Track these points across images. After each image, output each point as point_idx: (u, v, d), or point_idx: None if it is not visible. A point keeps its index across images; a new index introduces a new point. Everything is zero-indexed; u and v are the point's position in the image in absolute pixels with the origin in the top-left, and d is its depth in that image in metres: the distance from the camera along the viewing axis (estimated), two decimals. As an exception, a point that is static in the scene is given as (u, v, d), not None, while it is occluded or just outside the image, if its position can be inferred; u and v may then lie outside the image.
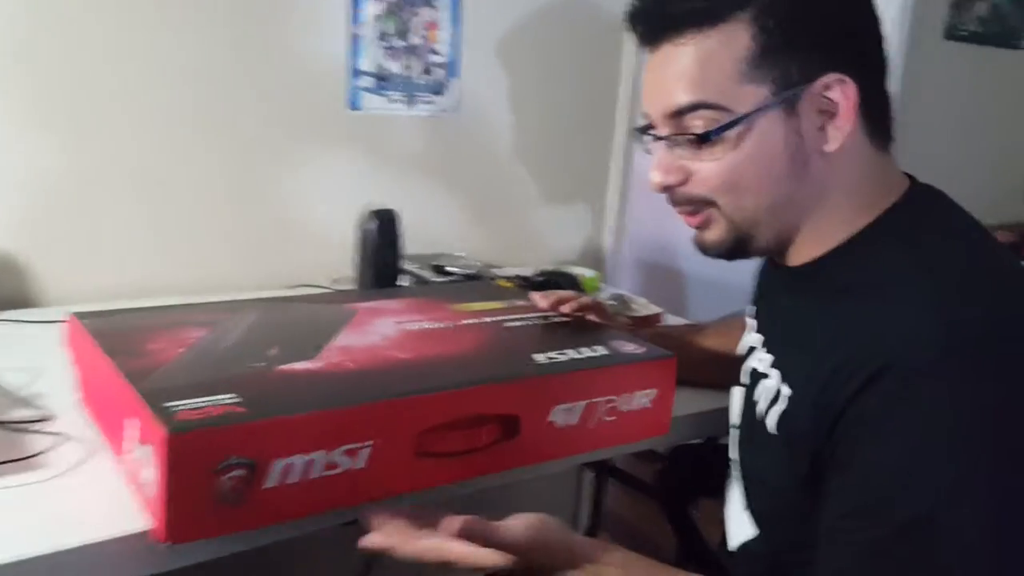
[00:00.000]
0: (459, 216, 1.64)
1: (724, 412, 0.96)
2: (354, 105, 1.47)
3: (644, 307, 1.40)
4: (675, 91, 0.70)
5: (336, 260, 1.39)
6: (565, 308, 0.99)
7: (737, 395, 0.86)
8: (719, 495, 1.30)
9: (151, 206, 1.35)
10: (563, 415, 0.84)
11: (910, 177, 0.76)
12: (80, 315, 0.89)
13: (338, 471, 0.71)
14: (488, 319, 0.99)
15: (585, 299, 1.01)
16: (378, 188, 1.51)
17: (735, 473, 0.86)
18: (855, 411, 0.64)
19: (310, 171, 1.46)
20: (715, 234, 0.76)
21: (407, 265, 1.31)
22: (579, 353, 0.89)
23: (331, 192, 1.48)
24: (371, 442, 0.73)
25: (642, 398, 0.90)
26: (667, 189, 0.75)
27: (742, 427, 0.84)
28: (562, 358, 0.87)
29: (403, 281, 1.31)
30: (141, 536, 0.68)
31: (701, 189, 0.73)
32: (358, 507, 0.75)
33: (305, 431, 0.69)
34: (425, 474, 0.77)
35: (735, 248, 0.76)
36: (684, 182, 0.74)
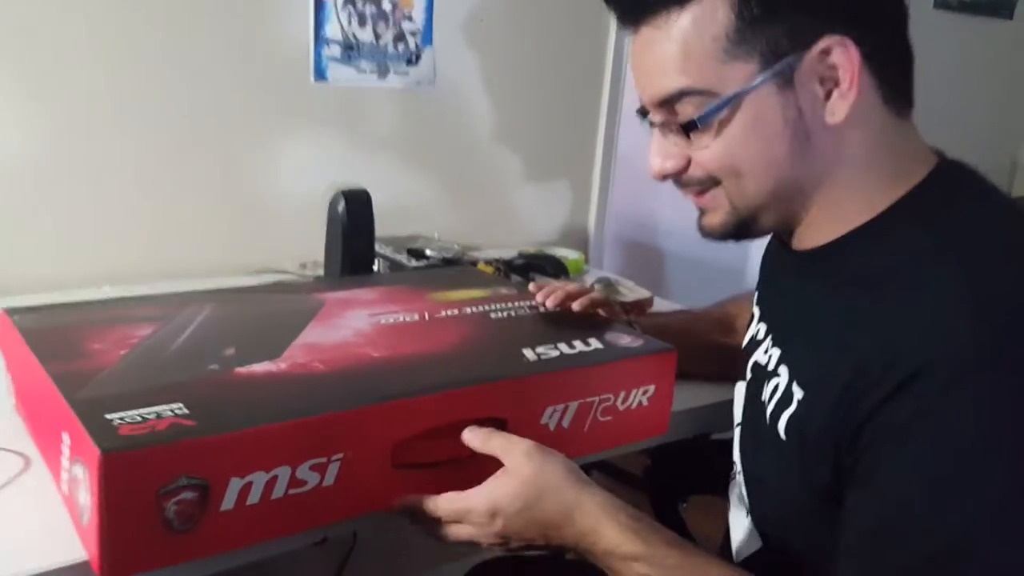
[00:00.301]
0: (435, 195, 1.54)
1: (721, 408, 0.89)
2: (320, 76, 1.36)
3: (633, 290, 1.32)
4: (658, 79, 0.66)
5: (303, 244, 1.30)
6: (576, 306, 0.90)
7: (741, 392, 0.79)
8: (708, 492, 1.24)
9: (97, 187, 1.24)
10: (555, 417, 0.77)
11: (938, 152, 0.69)
12: (11, 311, 0.80)
13: (305, 489, 0.63)
14: (470, 309, 0.91)
15: (595, 295, 0.92)
16: (348, 166, 1.42)
17: (738, 477, 0.79)
18: (883, 419, 0.57)
19: (273, 148, 1.36)
20: (717, 218, 0.70)
21: (380, 248, 1.22)
22: (571, 348, 0.81)
23: (296, 170, 1.38)
24: (341, 455, 0.64)
25: (640, 396, 0.82)
26: (667, 176, 0.70)
27: (745, 427, 0.77)
28: (553, 354, 0.79)
29: (376, 266, 1.22)
30: (80, 568, 0.60)
31: (701, 172, 0.68)
32: (328, 527, 0.67)
33: (265, 445, 0.61)
34: (404, 488, 0.69)
35: (738, 232, 0.70)
36: (684, 168, 0.69)
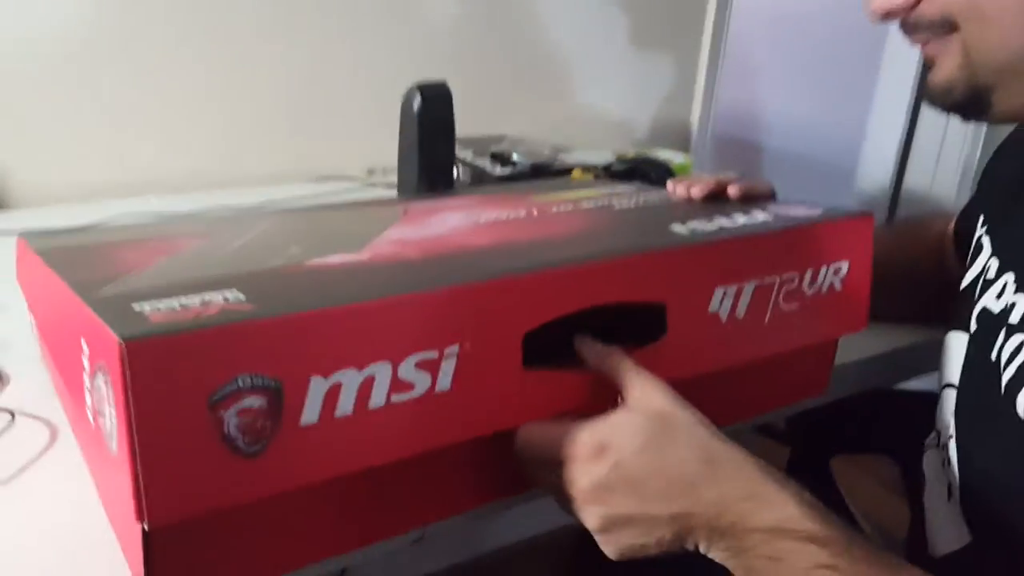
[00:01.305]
0: (515, 87, 1.34)
1: (892, 359, 0.74)
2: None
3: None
4: None
5: (370, 147, 1.13)
6: (733, 191, 0.69)
7: (959, 346, 0.61)
8: (865, 450, 1.03)
9: (141, 83, 1.09)
10: (727, 303, 0.58)
11: None
12: (29, 236, 0.64)
13: (412, 395, 0.45)
14: (587, 204, 0.72)
15: (757, 182, 0.71)
16: (416, 54, 1.24)
17: (947, 453, 0.60)
18: None
19: (333, 35, 1.18)
20: (944, 72, 0.56)
21: (459, 152, 1.04)
22: (731, 221, 0.62)
23: (359, 61, 1.20)
24: (458, 347, 0.46)
25: (831, 276, 0.63)
26: (888, 16, 0.57)
27: (965, 393, 0.59)
28: (710, 227, 0.60)
29: (456, 173, 1.04)
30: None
31: (934, 9, 0.55)
32: (445, 451, 0.49)
33: (355, 332, 0.44)
34: (538, 396, 0.51)
35: (968, 101, 0.56)
36: (914, 4, 0.56)
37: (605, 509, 0.46)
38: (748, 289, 0.58)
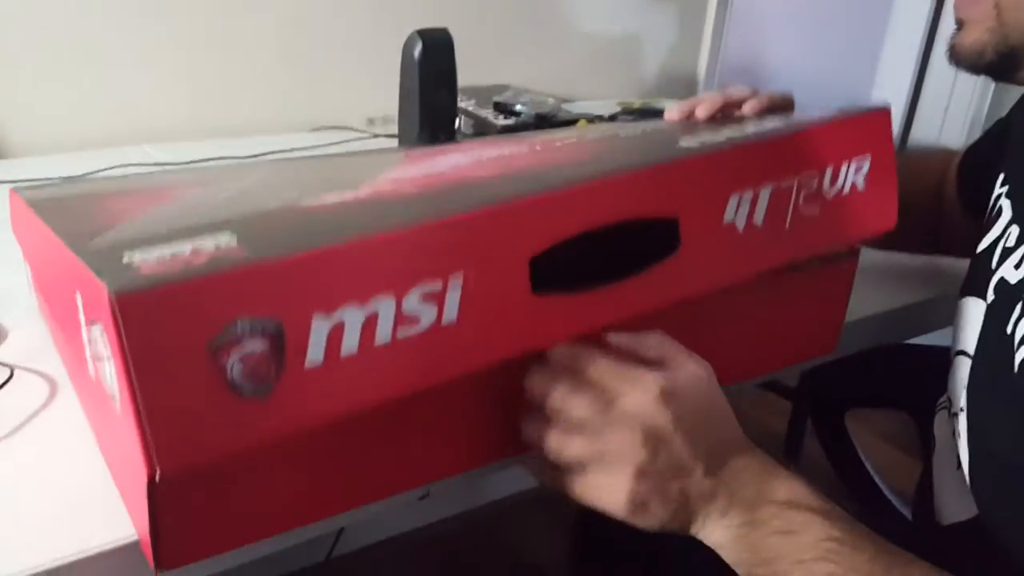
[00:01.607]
0: (518, 37, 1.30)
1: (904, 315, 0.72)
2: None
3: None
4: None
5: (371, 96, 1.10)
6: (750, 108, 0.65)
7: (975, 313, 0.58)
8: (875, 405, 1.00)
9: (137, 30, 1.07)
10: (743, 211, 0.55)
11: None
12: (23, 187, 0.63)
13: (418, 329, 0.44)
14: (591, 136, 0.69)
15: (776, 95, 0.67)
16: (417, 1, 1.20)
17: (957, 424, 0.58)
18: None
19: None
20: (973, 35, 0.55)
21: (462, 102, 1.02)
22: (742, 131, 0.59)
23: (359, 5, 1.17)
24: (462, 275, 0.45)
25: (852, 174, 0.60)
26: None
27: (979, 366, 0.56)
28: (719, 139, 0.57)
29: (457, 123, 1.01)
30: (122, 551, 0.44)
31: None
32: (452, 386, 0.48)
33: (355, 268, 0.42)
34: (550, 321, 0.49)
35: (999, 62, 0.55)
36: None
37: (651, 457, 0.45)
38: (764, 195, 0.56)
